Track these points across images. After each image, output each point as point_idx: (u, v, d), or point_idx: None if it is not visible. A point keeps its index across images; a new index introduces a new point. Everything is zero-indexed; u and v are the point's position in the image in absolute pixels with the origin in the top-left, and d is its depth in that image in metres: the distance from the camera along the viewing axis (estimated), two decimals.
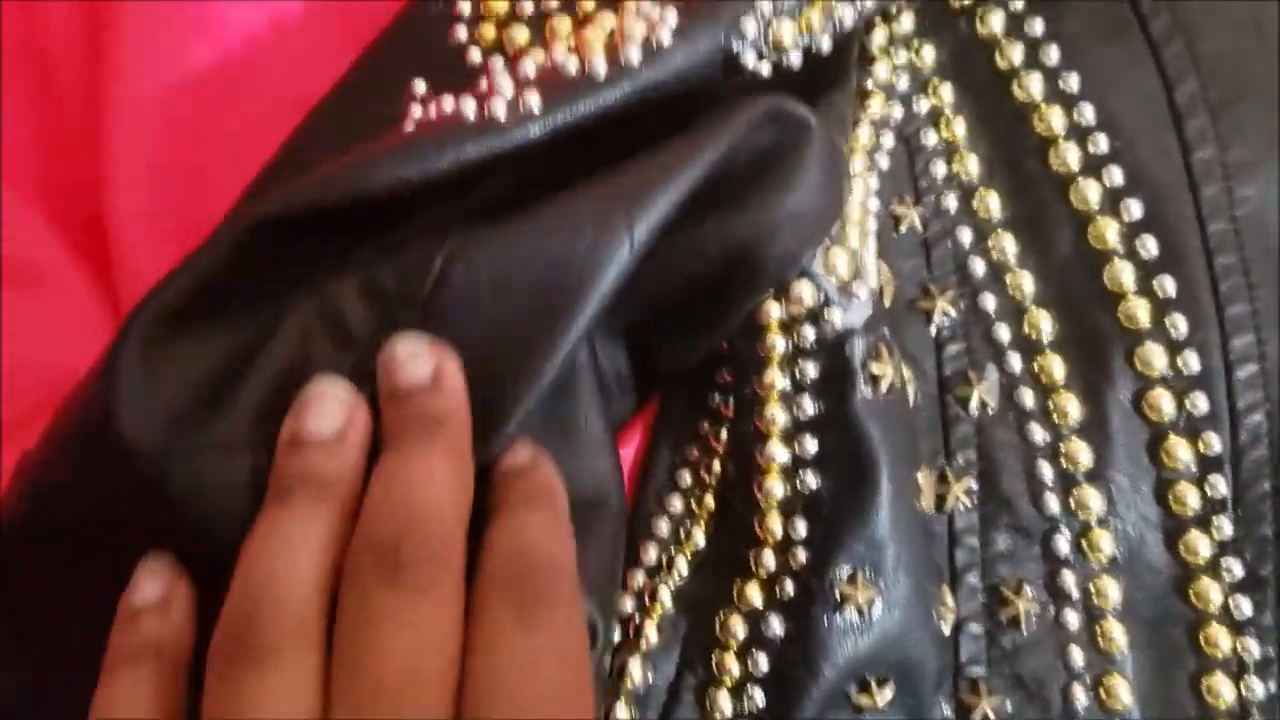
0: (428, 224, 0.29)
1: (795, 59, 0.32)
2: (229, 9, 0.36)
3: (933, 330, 0.35)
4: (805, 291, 0.31)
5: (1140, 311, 0.35)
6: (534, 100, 0.29)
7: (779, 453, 0.31)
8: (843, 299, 0.31)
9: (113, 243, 0.36)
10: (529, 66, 0.31)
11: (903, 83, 0.37)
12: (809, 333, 0.31)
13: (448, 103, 0.30)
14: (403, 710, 0.23)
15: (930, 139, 0.37)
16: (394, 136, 0.29)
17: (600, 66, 0.30)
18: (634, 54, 0.30)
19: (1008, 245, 0.36)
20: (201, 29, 0.35)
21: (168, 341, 0.28)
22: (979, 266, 0.36)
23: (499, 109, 0.29)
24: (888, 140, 0.37)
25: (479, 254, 0.28)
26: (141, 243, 0.36)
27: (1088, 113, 0.36)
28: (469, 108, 0.29)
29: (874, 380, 0.31)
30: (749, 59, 0.31)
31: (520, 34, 0.32)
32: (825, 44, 0.33)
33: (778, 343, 0.31)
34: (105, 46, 0.36)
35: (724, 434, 0.32)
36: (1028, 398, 0.35)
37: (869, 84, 0.37)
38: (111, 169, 0.36)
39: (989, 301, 0.35)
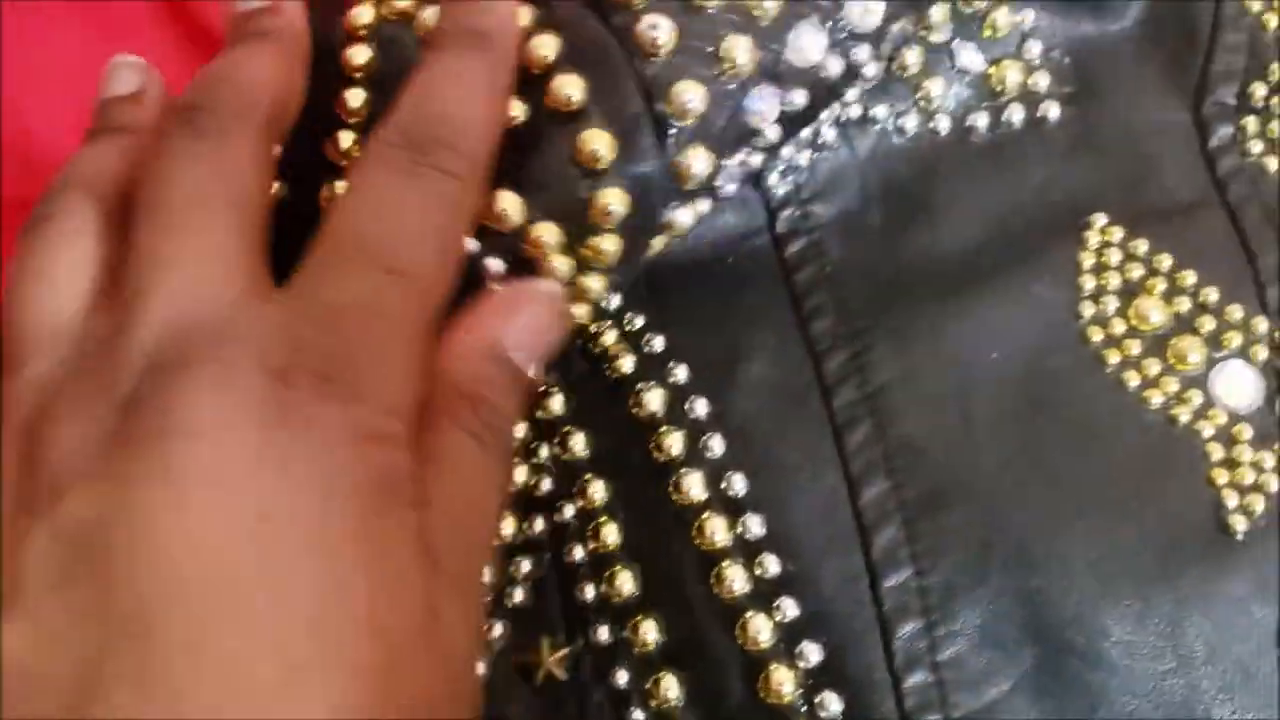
0: None
1: None
2: None
3: None
4: None
5: None
6: None
7: None
8: None
9: None
10: None
11: (546, 484, 0.31)
12: None
13: None
14: (191, 224, 0.23)
15: (578, 552, 0.30)
16: None
17: None
18: None
19: (670, 690, 0.29)
20: None
21: None
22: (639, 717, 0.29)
23: None
24: (526, 564, 0.31)
25: None
26: None
27: (754, 525, 0.29)
28: None
29: None
30: None
31: None
32: None
33: None
34: None
35: None
36: None
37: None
38: None
39: None
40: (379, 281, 0.23)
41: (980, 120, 0.32)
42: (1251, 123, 0.32)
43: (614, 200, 0.27)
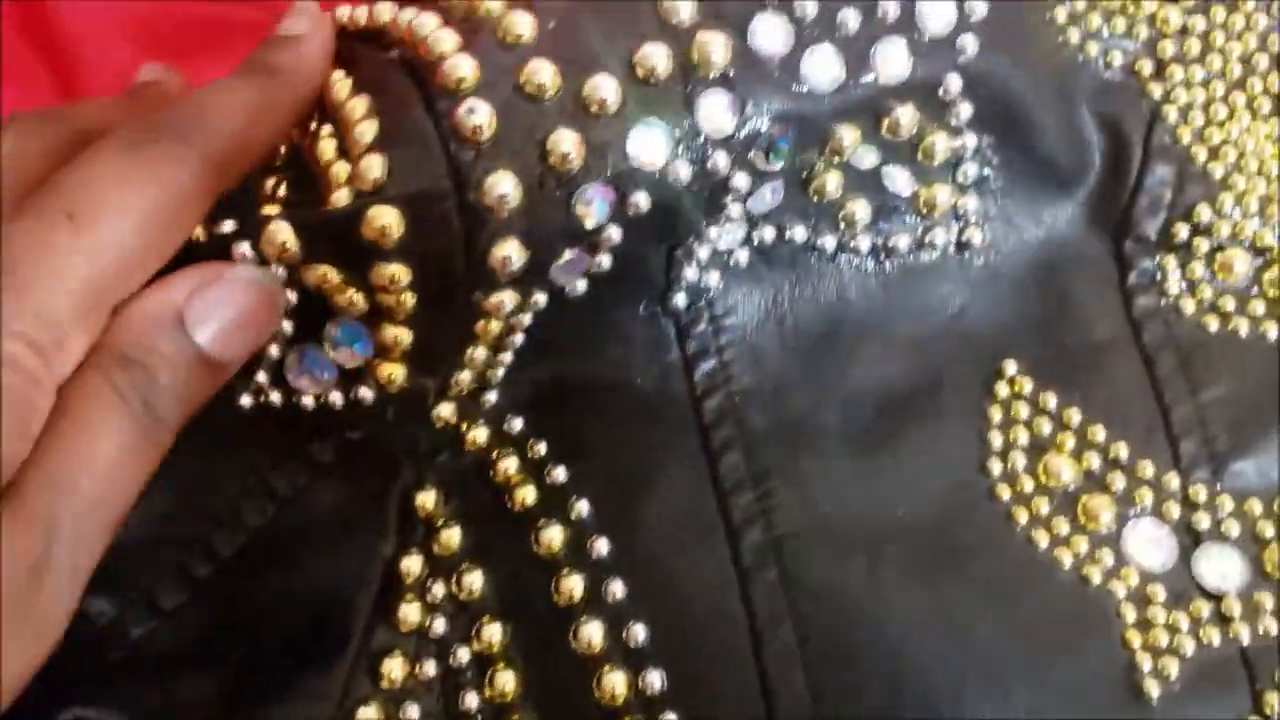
0: None
1: None
2: None
3: None
4: None
5: None
6: None
7: None
8: None
9: None
10: None
11: (439, 625, 0.29)
12: None
13: None
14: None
15: (471, 700, 0.29)
16: None
17: None
18: None
19: None
20: None
21: None
22: None
23: None
24: (414, 710, 0.29)
25: None
26: None
27: (654, 680, 0.28)
28: None
29: None
30: None
31: None
32: None
33: None
34: None
35: None
36: None
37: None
38: None
39: None
40: (56, 221, 0.24)
41: (902, 241, 0.31)
42: (1172, 262, 0.32)
43: (399, 274, 0.26)
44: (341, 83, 0.28)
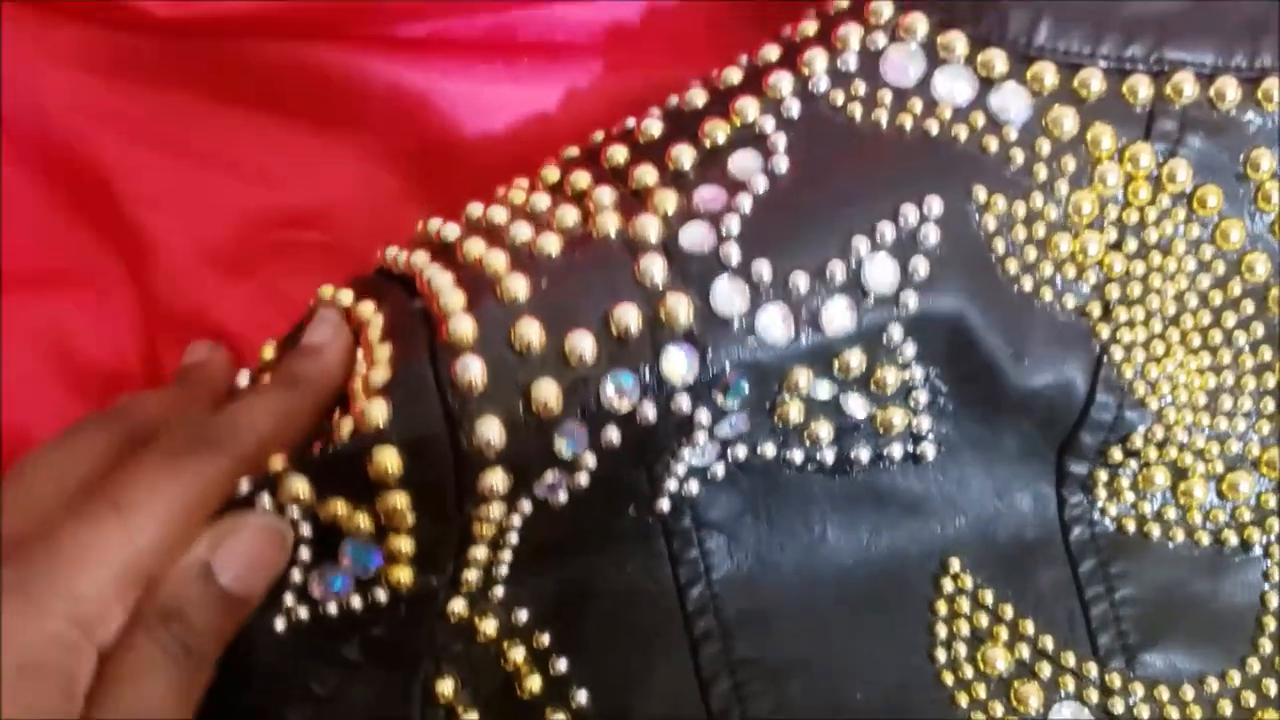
0: None
1: None
2: None
3: None
4: None
5: None
6: None
7: None
8: None
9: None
10: None
11: None
12: None
13: None
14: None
15: None
16: None
17: None
18: None
19: None
20: None
21: None
22: None
23: None
24: None
25: None
26: None
27: None
28: None
29: None
30: None
31: None
32: None
33: None
34: None
35: None
36: None
37: None
38: None
39: None
40: (103, 513, 0.28)
41: (863, 453, 0.35)
42: (1103, 474, 0.36)
43: (400, 501, 0.30)
44: (374, 320, 0.32)
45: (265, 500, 0.30)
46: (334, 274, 0.36)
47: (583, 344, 0.30)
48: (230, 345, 0.40)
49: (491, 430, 0.30)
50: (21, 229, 0.40)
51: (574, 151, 0.36)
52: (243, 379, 0.35)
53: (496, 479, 0.30)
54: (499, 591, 0.34)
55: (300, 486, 0.30)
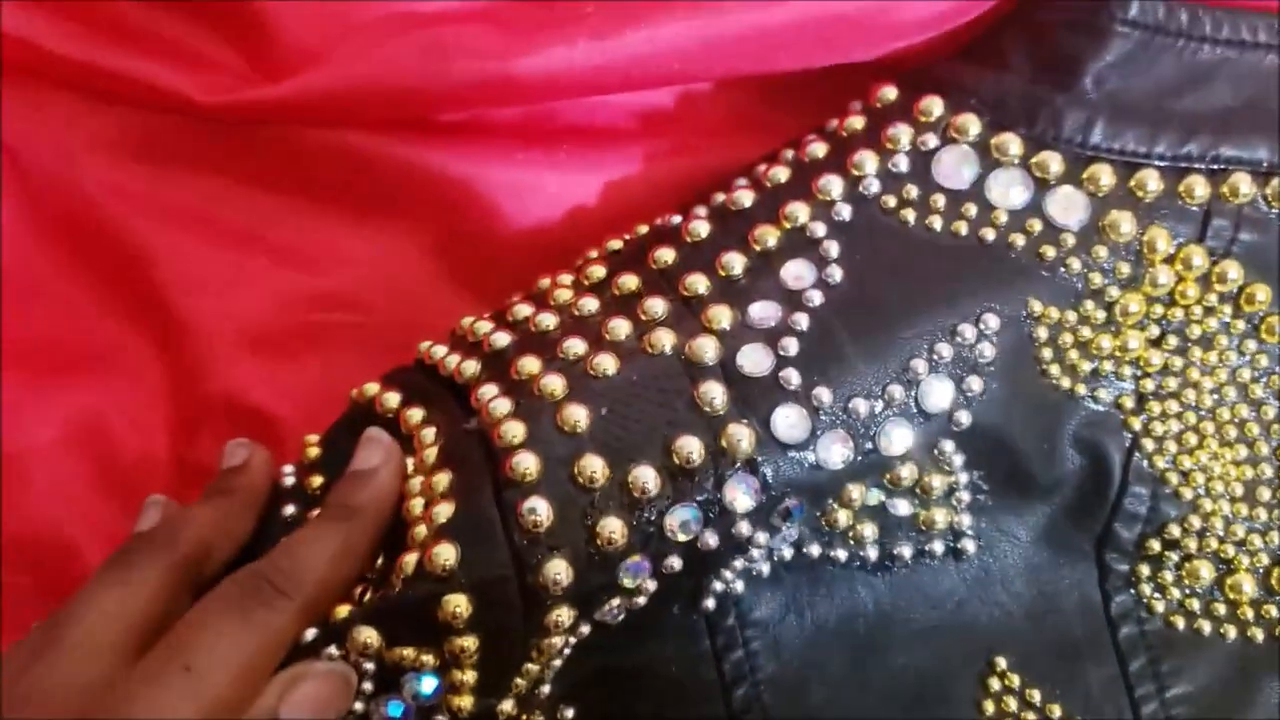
0: None
1: None
2: None
3: None
4: None
5: None
6: None
7: None
8: None
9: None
10: None
11: None
12: None
13: None
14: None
15: None
16: None
17: None
18: None
19: None
20: None
21: None
22: None
23: None
24: None
25: None
26: None
27: None
28: None
29: None
30: None
31: None
32: None
33: None
34: None
35: None
36: None
37: None
38: None
39: None
40: (173, 672, 0.28)
41: (905, 550, 0.34)
42: (1145, 569, 0.36)
43: (469, 644, 0.30)
44: (425, 434, 0.32)
45: (332, 650, 0.30)
46: (369, 355, 0.36)
47: (646, 476, 0.30)
48: (265, 426, 0.39)
49: (559, 570, 0.29)
50: (54, 314, 0.40)
51: (617, 245, 0.35)
52: (287, 478, 0.35)
53: (562, 614, 0.30)
54: (546, 689, 0.34)
55: (369, 636, 0.30)
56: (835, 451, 0.31)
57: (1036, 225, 0.33)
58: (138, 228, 0.39)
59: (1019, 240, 0.33)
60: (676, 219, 0.35)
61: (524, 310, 0.33)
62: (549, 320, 0.32)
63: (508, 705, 0.33)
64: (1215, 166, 0.34)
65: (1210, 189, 0.34)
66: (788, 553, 0.34)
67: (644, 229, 0.35)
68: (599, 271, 0.34)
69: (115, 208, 0.39)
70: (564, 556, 0.30)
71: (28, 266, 0.40)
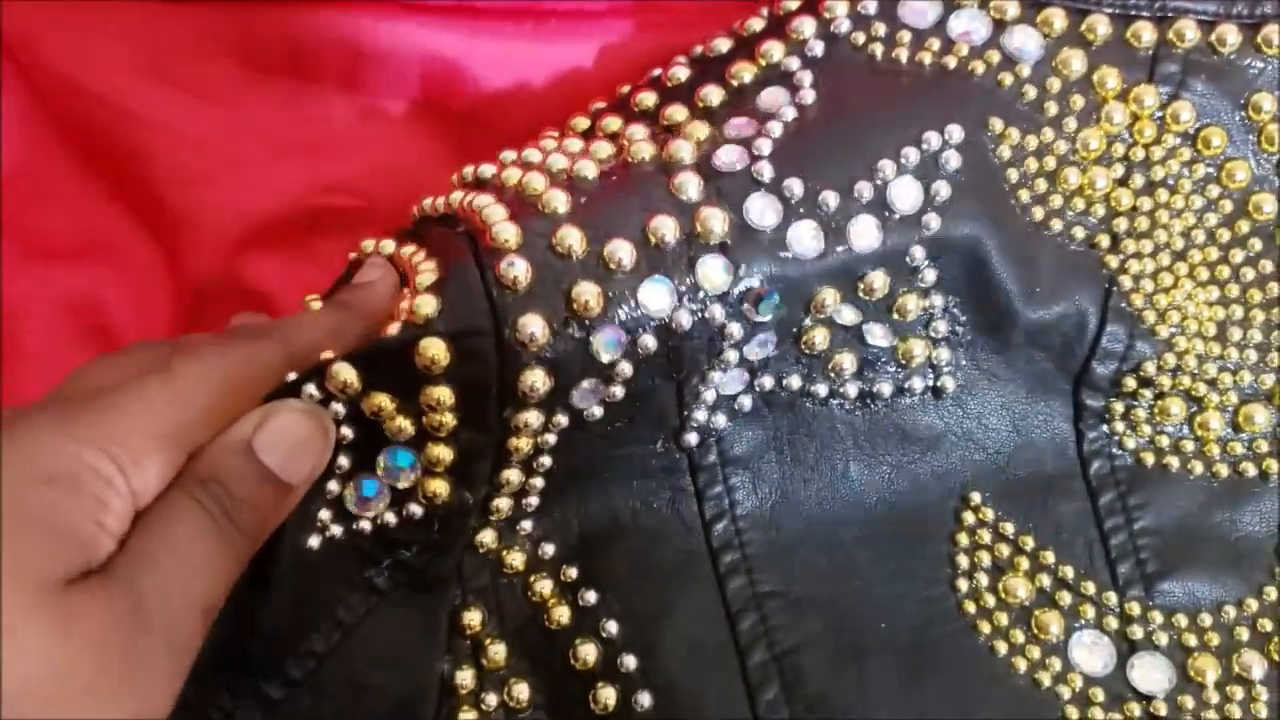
0: None
1: None
2: None
3: None
4: None
5: None
6: None
7: None
8: None
9: None
10: None
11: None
12: None
13: None
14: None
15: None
16: None
17: None
18: None
19: None
20: None
21: None
22: None
23: None
24: None
25: None
26: None
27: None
28: None
29: None
30: None
31: None
32: None
33: None
34: None
35: None
36: None
37: None
38: None
39: None
40: (150, 376, 0.29)
41: (885, 388, 0.35)
42: (1119, 406, 0.37)
43: (444, 396, 0.31)
44: (416, 255, 0.33)
45: (311, 389, 0.31)
46: (372, 236, 0.37)
47: (621, 250, 0.31)
48: (268, 311, 0.40)
49: (535, 326, 0.30)
50: (56, 204, 0.41)
51: (602, 104, 0.37)
52: None
53: (537, 378, 0.31)
54: (527, 525, 0.35)
55: (347, 374, 0.30)
56: (806, 240, 0.32)
57: (995, 56, 0.35)
58: (137, 117, 0.40)
59: (979, 67, 0.35)
60: (657, 71, 0.37)
61: (510, 154, 0.35)
62: (534, 155, 0.34)
63: (487, 537, 0.34)
64: (1161, 14, 0.36)
65: (1157, 34, 0.36)
66: (768, 382, 0.35)
67: (627, 88, 0.37)
68: (583, 123, 0.36)
69: (114, 98, 0.40)
70: (539, 313, 0.31)
71: (29, 162, 0.41)
